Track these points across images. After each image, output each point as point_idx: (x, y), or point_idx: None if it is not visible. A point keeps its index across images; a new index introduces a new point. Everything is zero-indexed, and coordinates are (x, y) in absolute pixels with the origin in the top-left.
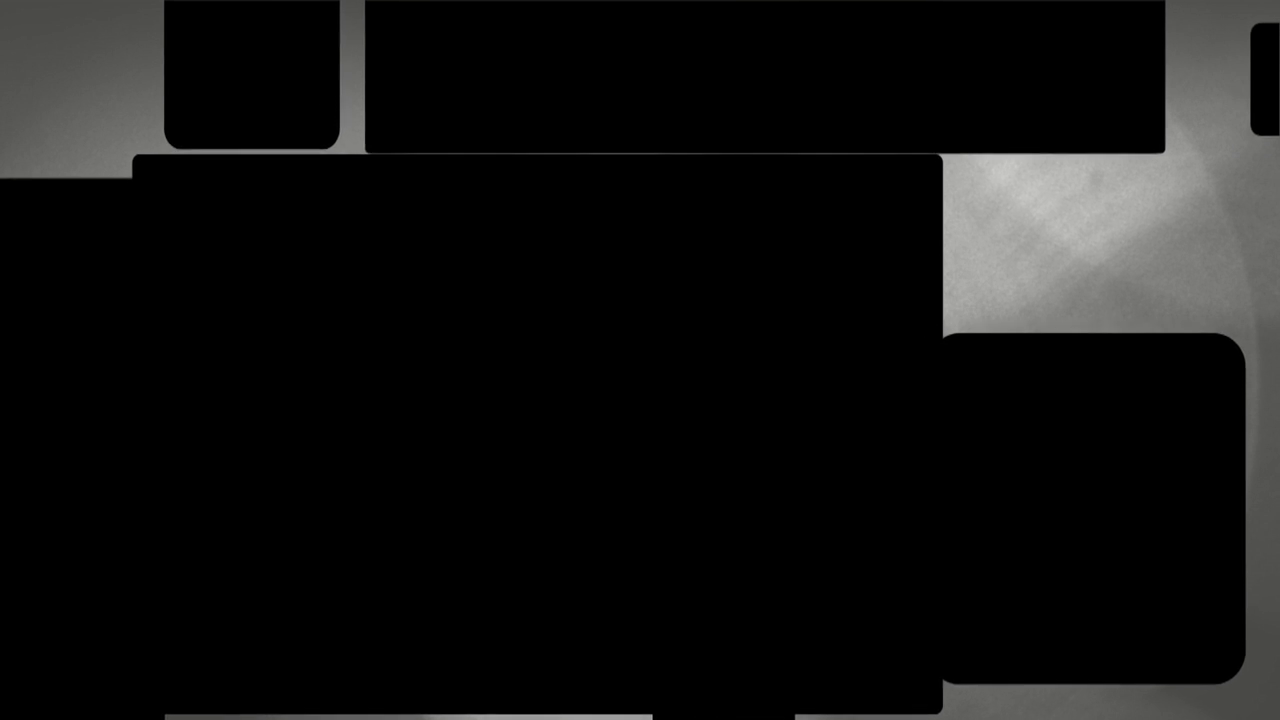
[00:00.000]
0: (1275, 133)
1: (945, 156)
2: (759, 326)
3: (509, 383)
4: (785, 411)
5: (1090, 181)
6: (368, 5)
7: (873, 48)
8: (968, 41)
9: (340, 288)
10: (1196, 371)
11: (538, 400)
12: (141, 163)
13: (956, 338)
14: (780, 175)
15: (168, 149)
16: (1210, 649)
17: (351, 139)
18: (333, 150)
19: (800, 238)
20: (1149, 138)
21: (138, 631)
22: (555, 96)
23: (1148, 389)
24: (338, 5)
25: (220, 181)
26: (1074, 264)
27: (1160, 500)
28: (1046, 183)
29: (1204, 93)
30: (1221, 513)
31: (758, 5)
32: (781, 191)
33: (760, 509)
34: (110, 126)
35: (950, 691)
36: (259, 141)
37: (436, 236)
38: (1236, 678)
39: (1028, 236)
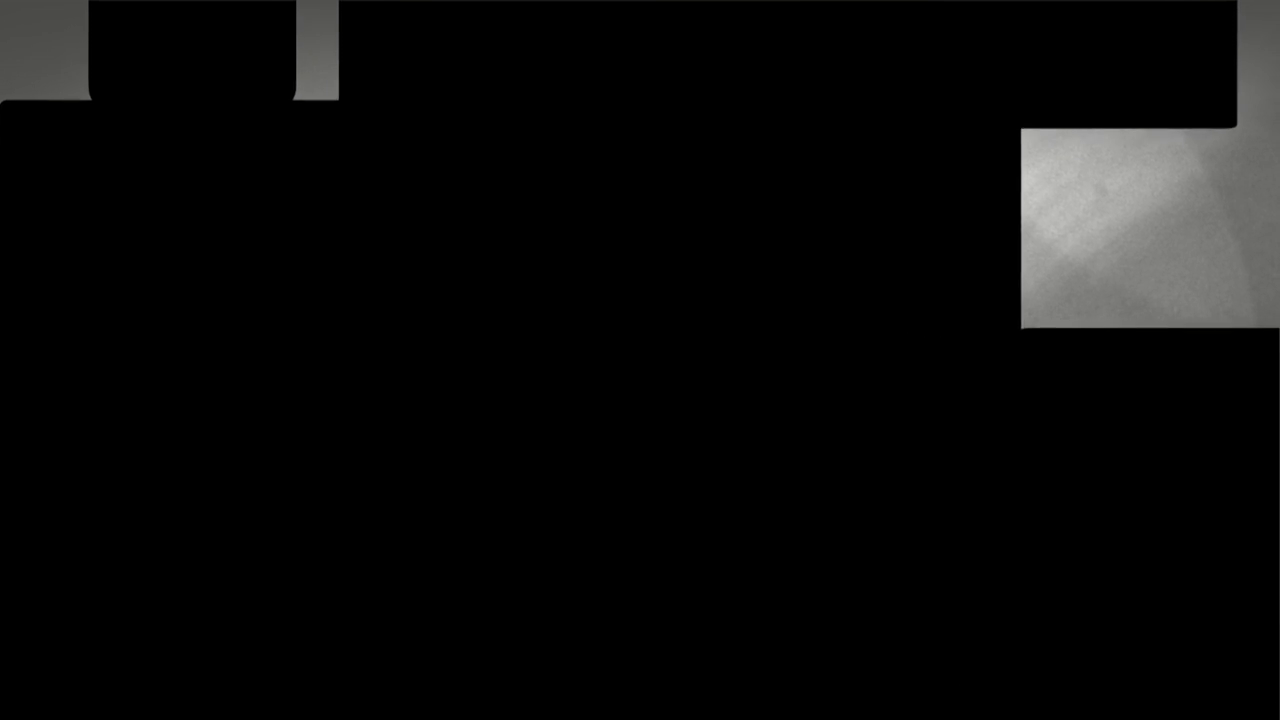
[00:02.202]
0: None
1: None
2: (829, 320)
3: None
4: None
5: (1095, 194)
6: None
7: (988, 39)
8: (1067, 33)
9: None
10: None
11: (539, 400)
12: (7, 108)
13: (1033, 332)
14: (856, 157)
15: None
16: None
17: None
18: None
19: (876, 220)
20: (1223, 114)
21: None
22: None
23: (1212, 384)
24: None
25: (85, 127)
26: (1070, 252)
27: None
28: (1042, 172)
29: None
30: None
31: None
32: (860, 175)
33: (837, 511)
34: None
35: None
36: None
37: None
38: None
39: (1024, 226)
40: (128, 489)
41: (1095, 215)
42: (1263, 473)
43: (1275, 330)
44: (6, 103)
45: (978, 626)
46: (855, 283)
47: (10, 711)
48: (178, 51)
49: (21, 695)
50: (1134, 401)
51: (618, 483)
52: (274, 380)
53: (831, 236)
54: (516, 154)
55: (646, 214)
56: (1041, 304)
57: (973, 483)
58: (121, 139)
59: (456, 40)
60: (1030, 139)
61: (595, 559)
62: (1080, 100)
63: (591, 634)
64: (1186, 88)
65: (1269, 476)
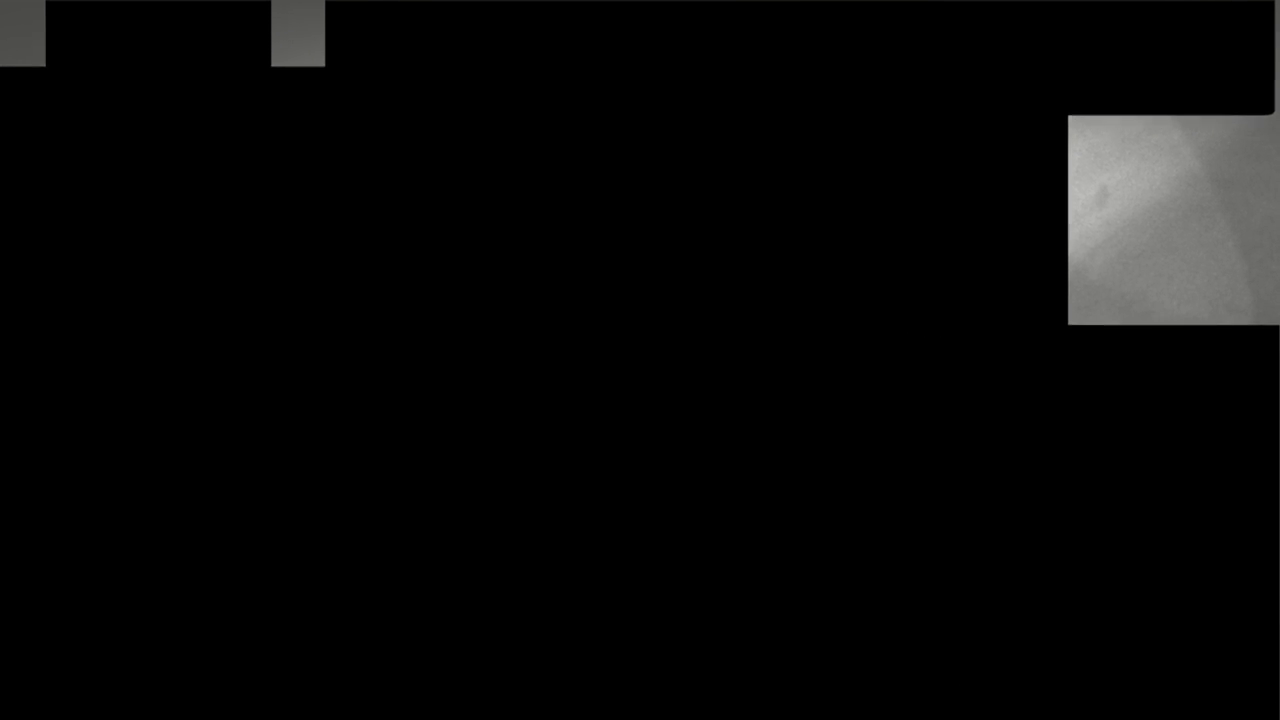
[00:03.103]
0: None
1: None
2: (871, 320)
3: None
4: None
5: (1097, 196)
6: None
7: (1046, 37)
8: (1116, 29)
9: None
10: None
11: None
12: None
13: (1080, 329)
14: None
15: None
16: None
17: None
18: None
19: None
20: (1262, 102)
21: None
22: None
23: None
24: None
25: (40, 94)
26: (1068, 247)
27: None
28: None
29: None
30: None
31: None
32: (906, 166)
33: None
34: None
35: None
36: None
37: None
38: None
39: None
40: (87, 473)
41: (1093, 211)
42: (1263, 471)
43: (1275, 328)
44: None
45: (978, 622)
46: (898, 278)
47: (10, 711)
48: (141, 43)
49: (21, 695)
50: (1135, 398)
51: (644, 482)
52: (253, 358)
53: (872, 232)
54: (511, 143)
55: (647, 206)
56: None
57: (973, 482)
58: (78, 106)
59: (448, 34)
60: None
61: (631, 561)
62: (1121, 89)
63: (594, 634)
64: (1224, 79)
65: (1269, 475)
